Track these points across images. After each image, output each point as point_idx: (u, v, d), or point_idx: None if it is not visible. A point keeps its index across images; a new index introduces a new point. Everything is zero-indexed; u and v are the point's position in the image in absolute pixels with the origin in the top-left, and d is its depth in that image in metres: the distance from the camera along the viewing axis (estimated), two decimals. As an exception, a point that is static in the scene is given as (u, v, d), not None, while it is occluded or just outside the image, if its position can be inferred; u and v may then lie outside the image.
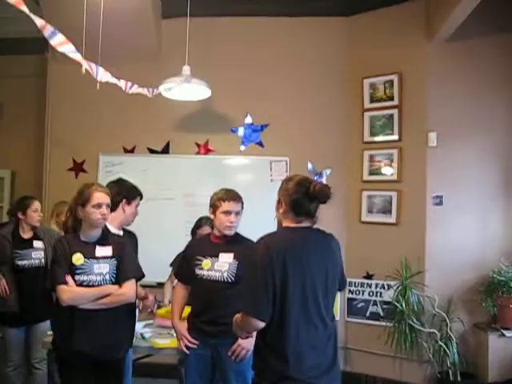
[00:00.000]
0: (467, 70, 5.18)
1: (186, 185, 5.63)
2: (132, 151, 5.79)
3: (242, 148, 5.67)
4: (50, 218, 4.97)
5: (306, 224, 2.53)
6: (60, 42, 2.17)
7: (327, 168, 5.51)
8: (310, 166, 5.49)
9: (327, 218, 5.28)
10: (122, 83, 3.27)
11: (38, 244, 4.40)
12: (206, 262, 3.40)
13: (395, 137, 5.30)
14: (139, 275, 3.24)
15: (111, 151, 5.71)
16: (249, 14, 5.68)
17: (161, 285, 5.26)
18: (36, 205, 4.38)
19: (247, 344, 3.13)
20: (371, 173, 5.43)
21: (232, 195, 3.42)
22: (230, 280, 3.30)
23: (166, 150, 5.75)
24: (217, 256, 3.39)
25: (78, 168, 5.78)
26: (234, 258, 3.36)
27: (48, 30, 2.03)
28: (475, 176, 5.10)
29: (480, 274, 4.95)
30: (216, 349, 3.34)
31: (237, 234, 3.48)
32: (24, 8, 1.85)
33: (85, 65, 2.69)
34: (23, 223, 4.36)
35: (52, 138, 5.97)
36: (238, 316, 2.51)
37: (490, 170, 5.11)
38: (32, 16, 1.94)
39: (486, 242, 5.03)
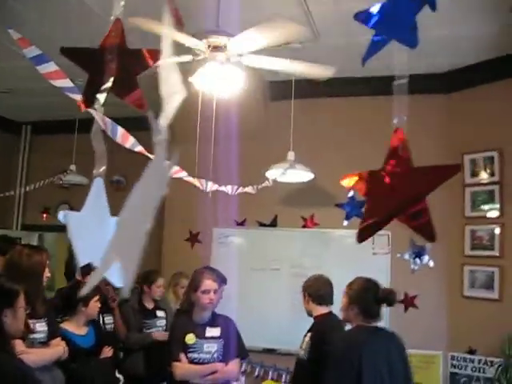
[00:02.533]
0: None
1: (292, 256, 5.96)
2: (242, 224, 6.24)
3: (345, 223, 5.94)
4: (167, 287, 5.45)
5: (374, 323, 2.87)
6: (176, 171, 2.64)
7: (428, 243, 5.65)
8: (411, 240, 5.64)
9: (429, 293, 5.46)
10: (228, 188, 3.71)
11: (160, 313, 4.91)
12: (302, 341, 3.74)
13: (497, 213, 5.37)
14: (244, 354, 3.60)
15: (223, 224, 6.18)
16: (348, 95, 6.03)
17: (268, 351, 5.60)
18: (160, 281, 4.92)
19: None
20: (473, 247, 5.51)
21: None
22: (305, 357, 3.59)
23: (273, 223, 6.15)
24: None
25: (193, 239, 6.30)
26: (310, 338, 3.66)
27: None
28: None
29: None
30: None
31: (322, 316, 3.80)
32: (144, 151, 2.29)
33: (197, 184, 3.17)
34: (146, 295, 4.89)
35: (169, 210, 6.55)
36: None
37: None
38: (152, 156, 2.39)
39: None
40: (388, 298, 2.94)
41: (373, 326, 2.92)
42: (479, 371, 5.34)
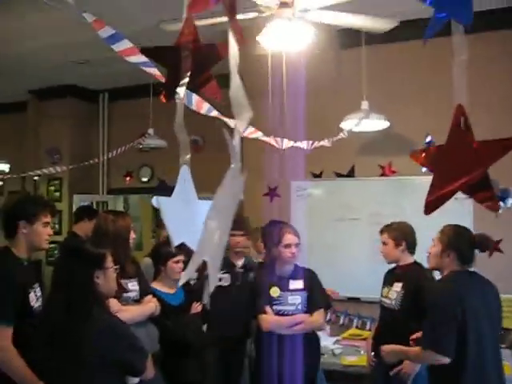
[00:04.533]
0: None
1: (371, 205, 5.94)
2: (320, 176, 6.26)
3: (424, 169, 5.85)
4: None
5: (468, 268, 2.87)
6: (251, 132, 2.70)
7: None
8: (495, 183, 5.51)
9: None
10: (303, 144, 3.74)
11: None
12: (385, 290, 3.77)
13: None
14: (327, 304, 3.69)
15: (301, 177, 6.22)
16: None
17: (351, 300, 5.68)
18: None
19: (410, 369, 3.43)
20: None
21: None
22: (397, 307, 3.59)
23: (351, 174, 6.14)
24: (391, 284, 3.73)
25: (272, 193, 6.39)
26: (402, 287, 3.68)
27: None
28: None
29: None
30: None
31: (413, 264, 3.80)
32: (220, 116, 2.35)
33: (272, 142, 3.22)
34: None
35: (248, 165, 6.65)
36: (418, 353, 2.87)
37: None
38: (226, 120, 2.47)
39: None
40: (483, 242, 2.94)
41: (469, 271, 2.93)
42: None
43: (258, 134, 2.75)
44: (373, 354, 3.79)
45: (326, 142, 3.84)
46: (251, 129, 2.67)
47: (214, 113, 2.32)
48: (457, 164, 1.42)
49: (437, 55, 5.79)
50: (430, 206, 1.50)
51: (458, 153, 1.41)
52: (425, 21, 1.52)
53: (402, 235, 3.75)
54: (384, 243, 3.79)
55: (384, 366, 3.66)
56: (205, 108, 2.30)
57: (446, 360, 2.71)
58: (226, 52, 1.12)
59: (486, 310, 2.84)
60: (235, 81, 1.13)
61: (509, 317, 5.21)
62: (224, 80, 1.48)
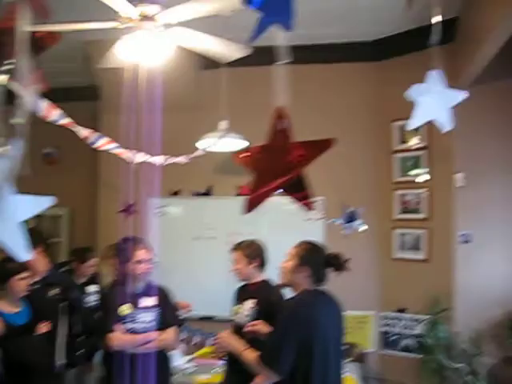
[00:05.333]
0: (493, 112, 5.41)
1: (228, 224, 6.01)
2: (177, 194, 6.24)
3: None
4: (101, 260, 5.42)
5: (320, 287, 2.91)
6: (104, 143, 2.61)
7: (359, 207, 5.82)
8: (344, 205, 5.80)
9: (361, 257, 5.63)
10: (158, 159, 3.69)
11: (92, 288, 4.89)
12: (236, 308, 3.82)
13: (424, 177, 5.57)
14: (179, 322, 3.65)
15: (158, 194, 6.15)
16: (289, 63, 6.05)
17: (206, 319, 5.67)
18: (92, 262, 4.93)
19: None
20: (402, 212, 5.71)
21: None
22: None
23: (208, 193, 6.18)
24: (243, 302, 3.79)
25: (128, 210, 6.24)
26: (255, 304, 3.73)
27: (93, 137, 2.48)
28: (501, 214, 5.31)
29: (507, 309, 5.15)
30: None
31: (264, 281, 3.87)
32: (69, 124, 2.27)
33: (124, 156, 3.16)
34: (77, 272, 4.87)
35: (104, 180, 6.49)
36: (252, 358, 2.86)
37: (516, 207, 5.32)
38: (76, 129, 2.39)
39: (512, 278, 5.23)
40: (337, 261, 2.93)
41: (320, 290, 2.93)
42: (408, 329, 5.59)
43: (111, 146, 2.66)
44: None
45: (181, 159, 3.82)
46: (103, 140, 2.58)
47: (64, 121, 2.22)
48: (276, 164, 1.48)
49: (294, 78, 6.05)
50: (250, 205, 1.56)
51: (276, 153, 1.47)
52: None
53: (255, 253, 3.82)
54: (236, 261, 3.83)
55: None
56: (54, 116, 2.20)
57: (276, 378, 2.74)
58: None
59: (333, 330, 2.90)
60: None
61: (354, 332, 5.50)
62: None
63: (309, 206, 1.55)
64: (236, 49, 3.32)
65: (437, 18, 1.69)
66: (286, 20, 1.31)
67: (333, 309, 2.96)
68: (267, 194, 1.49)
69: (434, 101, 1.43)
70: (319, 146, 1.54)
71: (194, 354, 4.95)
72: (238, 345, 3.04)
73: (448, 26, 5.38)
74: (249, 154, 1.59)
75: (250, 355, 2.87)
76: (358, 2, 5.10)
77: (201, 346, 5.76)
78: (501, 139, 5.39)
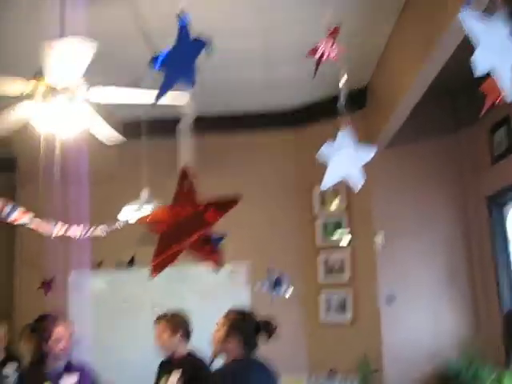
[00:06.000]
0: (408, 172, 5.64)
1: (153, 296, 5.85)
2: (99, 266, 6.06)
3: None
4: (18, 340, 5.13)
5: (252, 355, 2.84)
6: (18, 217, 2.52)
7: (285, 272, 5.82)
8: (270, 270, 5.79)
9: (288, 321, 5.59)
10: (77, 231, 3.60)
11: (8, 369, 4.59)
12: (163, 380, 3.69)
13: (346, 240, 5.67)
14: None
15: (79, 267, 5.95)
16: (200, 132, 6.11)
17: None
18: None
19: None
20: (326, 274, 5.77)
21: None
22: None
23: (131, 263, 6.03)
24: (170, 373, 3.66)
25: (47, 286, 5.99)
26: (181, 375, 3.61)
27: (6, 209, 2.39)
28: (423, 270, 5.44)
29: (435, 365, 5.20)
30: None
31: (189, 354, 3.77)
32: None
33: (41, 230, 3.07)
34: None
35: (21, 256, 6.23)
36: None
37: (436, 264, 5.46)
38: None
39: (439, 334, 5.30)
40: (268, 327, 2.88)
41: (251, 358, 2.85)
42: (341, 392, 5.54)
43: (25, 219, 2.55)
44: None
45: (100, 232, 3.72)
46: (18, 212, 2.47)
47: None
48: (182, 225, 1.47)
49: (216, 148, 6.13)
50: (156, 269, 1.54)
51: (182, 214, 1.46)
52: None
53: (178, 324, 3.74)
54: (160, 333, 3.72)
55: None
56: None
57: None
58: None
59: None
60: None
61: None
62: None
63: (217, 262, 1.54)
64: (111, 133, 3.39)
65: (344, 85, 1.76)
66: (189, 77, 1.34)
67: (265, 376, 2.89)
68: (174, 256, 1.48)
69: (345, 159, 1.47)
70: (225, 204, 1.56)
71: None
72: None
73: (360, 93, 5.67)
74: (153, 216, 1.57)
75: None
76: (275, 74, 5.28)
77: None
78: (417, 197, 5.60)
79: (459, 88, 5.30)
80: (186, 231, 1.46)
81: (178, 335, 3.69)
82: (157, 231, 1.54)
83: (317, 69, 1.75)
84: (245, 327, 2.85)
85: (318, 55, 1.73)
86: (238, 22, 4.40)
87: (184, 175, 1.51)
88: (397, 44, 4.62)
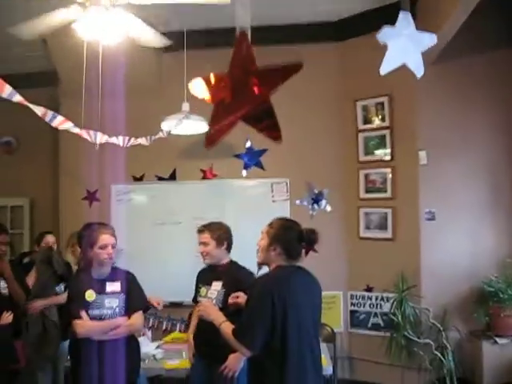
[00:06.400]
0: (455, 91, 5.45)
1: (194, 209, 5.94)
2: (141, 179, 6.14)
3: (244, 172, 5.98)
4: (65, 248, 5.31)
5: (295, 263, 2.88)
6: (61, 122, 2.51)
7: (325, 188, 5.81)
8: (310, 186, 5.78)
9: (329, 236, 5.64)
10: (119, 140, 3.60)
11: None
12: (203, 290, 3.77)
13: (388, 156, 5.59)
14: (146, 307, 3.59)
15: (121, 180, 6.05)
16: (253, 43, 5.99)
17: (174, 304, 5.60)
18: (48, 238, 4.82)
19: (234, 366, 3.46)
20: (367, 191, 5.73)
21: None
22: (218, 306, 3.58)
23: (172, 177, 6.10)
24: (210, 284, 3.74)
25: (91, 197, 6.12)
26: (222, 286, 3.69)
27: (49, 115, 2.38)
28: (465, 191, 5.37)
29: (473, 284, 5.22)
30: (210, 368, 3.65)
31: (232, 263, 3.83)
32: (24, 101, 2.18)
33: (85, 135, 3.06)
34: None
35: (65, 168, 6.35)
36: (229, 331, 2.81)
37: (478, 185, 5.38)
38: (31, 106, 2.29)
39: (477, 254, 5.29)
40: (311, 236, 2.89)
41: (294, 266, 2.89)
42: (376, 307, 5.64)
43: (68, 125, 2.55)
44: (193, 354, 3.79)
45: (143, 141, 3.72)
46: (60, 118, 2.47)
47: (17, 98, 2.11)
48: (239, 92, 1.42)
49: (257, 60, 6.00)
50: (211, 140, 1.50)
51: (239, 81, 1.40)
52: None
53: (224, 235, 3.78)
54: (205, 243, 3.77)
55: (204, 364, 3.67)
56: (6, 92, 2.09)
57: (248, 353, 2.74)
58: None
59: (309, 306, 2.86)
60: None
61: (323, 312, 5.50)
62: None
63: (274, 136, 1.49)
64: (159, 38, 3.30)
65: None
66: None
67: (308, 285, 2.93)
68: (230, 126, 1.43)
69: (405, 43, 1.39)
70: (284, 72, 1.48)
71: (163, 340, 4.90)
72: (217, 316, 2.98)
73: (410, 6, 5.41)
74: (211, 83, 1.51)
75: (227, 328, 2.82)
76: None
77: (170, 332, 5.71)
78: (463, 118, 5.44)
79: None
80: (242, 101, 1.41)
81: (223, 247, 3.75)
82: (213, 100, 1.48)
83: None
84: (288, 236, 2.87)
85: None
86: None
87: (242, 38, 1.43)
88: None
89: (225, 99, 1.44)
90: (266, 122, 1.49)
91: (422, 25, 5.14)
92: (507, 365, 4.92)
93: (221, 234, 3.79)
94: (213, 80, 1.52)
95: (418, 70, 1.36)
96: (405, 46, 1.37)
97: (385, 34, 1.36)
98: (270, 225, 2.94)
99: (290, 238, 2.86)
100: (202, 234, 3.80)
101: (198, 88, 1.54)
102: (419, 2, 5.37)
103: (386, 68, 1.37)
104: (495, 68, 5.43)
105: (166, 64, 6.03)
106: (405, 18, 1.39)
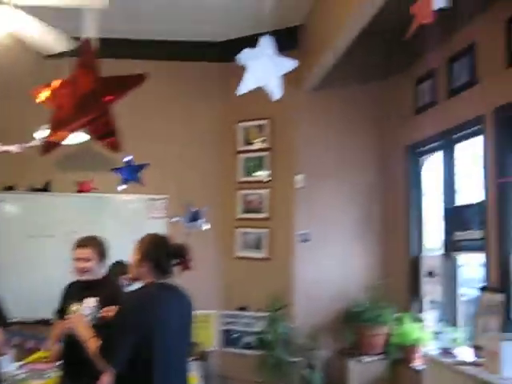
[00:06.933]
0: (334, 116, 5.70)
1: (68, 222, 5.72)
2: (12, 189, 5.84)
3: (122, 187, 5.85)
4: None
5: (167, 280, 2.85)
6: None
7: (203, 207, 5.82)
8: (187, 204, 5.76)
9: (205, 254, 5.63)
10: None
11: None
12: (75, 306, 3.62)
13: (267, 178, 5.72)
14: (4, 322, 3.40)
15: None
16: (132, 57, 5.91)
17: (41, 322, 5.35)
18: None
19: None
20: (245, 211, 5.82)
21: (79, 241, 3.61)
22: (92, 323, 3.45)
23: (47, 188, 5.85)
24: (82, 300, 3.61)
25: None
26: (98, 302, 3.57)
27: None
28: (339, 214, 5.59)
29: (343, 305, 5.42)
30: None
31: (107, 277, 3.72)
32: None
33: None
34: None
35: None
36: (94, 347, 2.73)
37: (352, 209, 5.62)
38: None
39: (347, 276, 5.52)
40: (181, 252, 2.88)
41: (164, 283, 2.86)
42: (250, 326, 5.70)
43: None
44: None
45: (14, 148, 3.54)
46: None
47: None
48: (80, 101, 1.40)
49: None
50: (48, 147, 1.46)
51: (81, 89, 1.38)
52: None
53: (105, 250, 3.68)
54: (86, 259, 3.62)
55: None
56: None
57: (113, 370, 2.68)
58: None
59: (178, 324, 2.83)
60: None
61: (196, 331, 5.47)
62: None
63: (114, 146, 1.47)
64: (60, 41, 3.19)
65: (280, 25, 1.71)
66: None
67: (179, 303, 2.91)
68: (68, 134, 1.40)
69: (264, 66, 1.43)
70: (127, 82, 1.48)
71: (26, 360, 4.65)
72: (85, 331, 2.88)
73: (292, 33, 5.60)
74: (50, 89, 1.47)
75: (93, 344, 2.74)
76: (205, 1, 5.12)
77: (34, 350, 5.43)
78: (340, 141, 5.69)
79: (391, 36, 5.31)
80: (84, 108, 1.38)
81: (103, 262, 3.65)
82: (52, 106, 1.44)
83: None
84: (157, 251, 2.85)
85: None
86: None
87: (86, 47, 1.41)
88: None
89: (66, 106, 1.40)
90: (107, 130, 1.47)
91: (305, 53, 5.38)
92: (372, 382, 5.14)
93: (102, 248, 3.69)
94: (56, 86, 1.48)
95: (276, 92, 1.41)
96: (264, 68, 1.41)
97: (245, 56, 1.40)
98: (141, 240, 2.91)
99: (159, 253, 2.85)
100: (83, 249, 3.64)
101: (43, 94, 1.50)
102: (303, 30, 5.57)
103: (243, 88, 1.41)
104: (371, 97, 5.75)
105: (47, 71, 5.80)
106: (266, 42, 1.44)
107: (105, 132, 1.49)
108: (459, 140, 4.67)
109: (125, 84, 1.44)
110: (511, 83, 3.79)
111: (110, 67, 5.53)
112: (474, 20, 4.24)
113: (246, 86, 1.42)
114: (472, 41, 4.30)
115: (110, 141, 1.47)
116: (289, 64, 1.43)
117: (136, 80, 1.46)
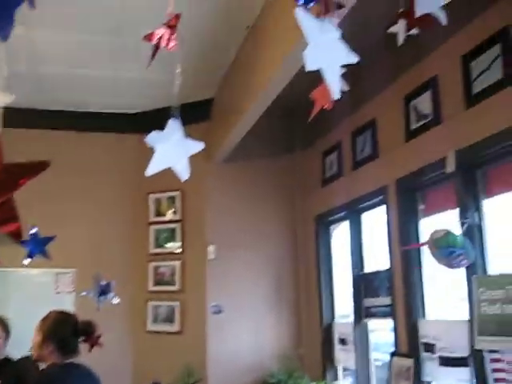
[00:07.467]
0: (244, 188, 5.79)
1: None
2: None
3: (27, 261, 5.62)
4: None
5: (72, 359, 2.71)
6: None
7: (114, 280, 5.67)
8: (97, 277, 5.60)
9: (115, 329, 5.44)
10: None
11: None
12: None
13: (178, 249, 5.68)
14: None
15: None
16: (41, 127, 5.82)
17: None
18: None
19: None
20: (156, 283, 5.73)
21: None
22: None
23: None
24: None
25: None
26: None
27: None
28: (251, 286, 5.60)
29: (257, 376, 5.36)
30: None
31: (7, 359, 3.54)
32: None
33: None
34: None
35: None
36: None
37: (264, 280, 5.65)
38: None
39: (261, 346, 5.49)
40: (87, 329, 2.74)
41: (69, 363, 2.68)
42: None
43: None
44: None
45: None
46: None
47: None
48: None
49: (49, 144, 5.83)
50: None
51: None
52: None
53: (7, 327, 3.51)
54: None
55: None
56: None
57: None
58: None
59: None
60: None
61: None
62: None
63: (16, 233, 1.44)
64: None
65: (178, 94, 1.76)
66: (5, 29, 1.25)
67: (85, 379, 2.76)
68: None
69: (172, 148, 1.48)
70: (32, 168, 1.48)
71: None
72: None
73: (205, 105, 5.74)
74: None
75: None
76: (122, 74, 5.18)
77: None
78: (251, 212, 5.76)
79: (297, 112, 5.56)
80: None
81: (7, 340, 3.48)
82: None
83: (153, 56, 1.71)
84: (62, 331, 2.70)
85: (155, 41, 1.70)
86: (86, 22, 4.30)
87: None
88: (242, 62, 4.76)
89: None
90: (8, 217, 1.46)
91: (215, 125, 5.50)
92: None
93: (8, 327, 3.55)
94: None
95: (184, 173, 1.46)
96: (172, 150, 1.46)
97: (153, 138, 1.45)
98: (43, 320, 2.76)
99: (63, 333, 2.70)
100: None
101: None
102: (215, 103, 5.72)
103: (152, 169, 1.45)
104: (280, 168, 5.91)
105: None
106: (173, 125, 1.49)
107: (5, 219, 1.46)
108: (365, 209, 4.87)
109: (27, 171, 1.44)
110: (410, 156, 4.02)
111: (18, 137, 5.42)
112: (375, 97, 4.52)
113: (154, 167, 1.45)
114: (373, 116, 4.57)
115: (11, 228, 1.44)
116: (196, 146, 1.48)
117: (40, 166, 1.47)
